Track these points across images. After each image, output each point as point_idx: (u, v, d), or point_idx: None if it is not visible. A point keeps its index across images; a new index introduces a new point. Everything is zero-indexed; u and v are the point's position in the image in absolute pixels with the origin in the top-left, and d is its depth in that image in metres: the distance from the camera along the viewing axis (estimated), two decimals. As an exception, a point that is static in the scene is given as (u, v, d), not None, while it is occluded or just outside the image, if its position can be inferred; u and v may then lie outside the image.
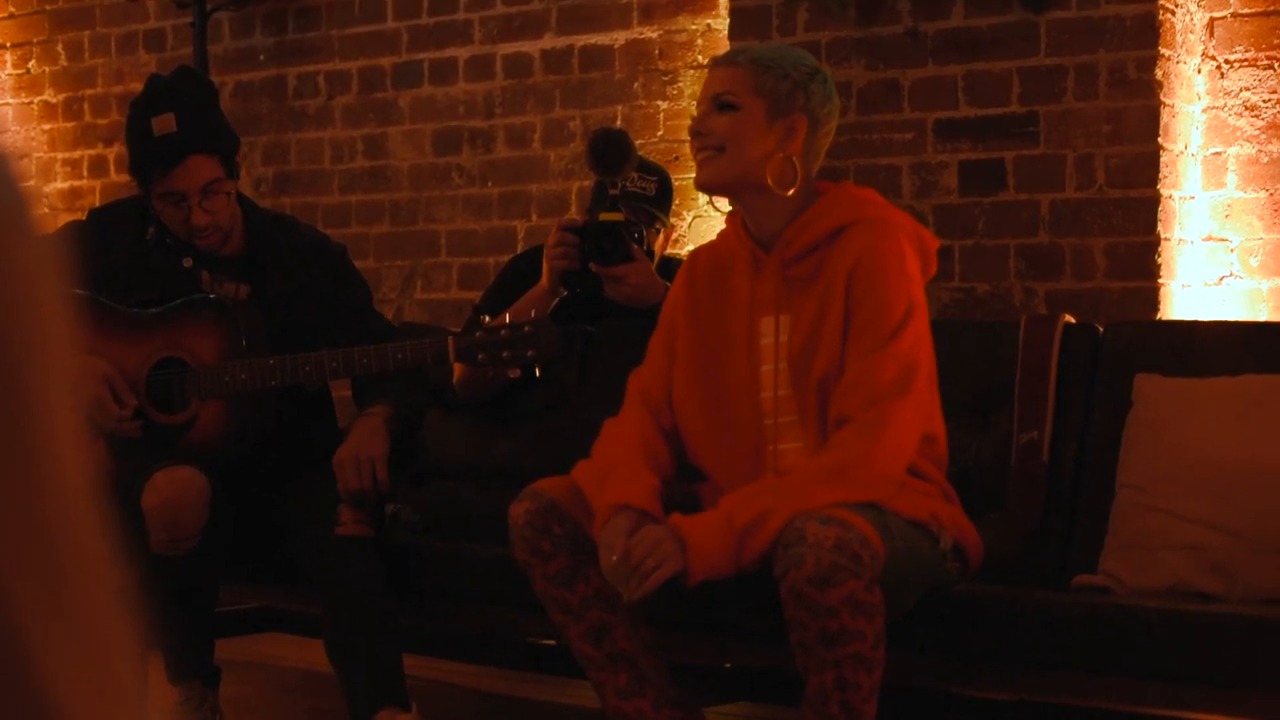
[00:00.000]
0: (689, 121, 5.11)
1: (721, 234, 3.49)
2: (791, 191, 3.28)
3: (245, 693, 4.55)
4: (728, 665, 3.83)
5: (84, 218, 4.25)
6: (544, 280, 4.12)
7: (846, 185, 3.43)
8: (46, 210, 6.64)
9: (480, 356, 3.70)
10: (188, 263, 3.96)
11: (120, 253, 3.99)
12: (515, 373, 3.75)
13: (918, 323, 3.20)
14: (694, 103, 5.14)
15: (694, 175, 3.31)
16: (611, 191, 4.09)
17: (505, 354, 3.68)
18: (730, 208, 3.47)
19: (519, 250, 5.17)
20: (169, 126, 3.85)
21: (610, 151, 4.02)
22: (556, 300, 4.10)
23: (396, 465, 3.93)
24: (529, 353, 3.67)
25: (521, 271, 4.34)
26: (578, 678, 3.55)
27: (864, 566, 2.91)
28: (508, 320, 3.72)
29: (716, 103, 3.31)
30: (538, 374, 3.81)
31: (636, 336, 3.60)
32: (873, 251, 3.21)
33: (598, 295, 4.08)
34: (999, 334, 3.81)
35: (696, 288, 3.41)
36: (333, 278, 4.07)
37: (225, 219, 3.94)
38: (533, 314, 3.77)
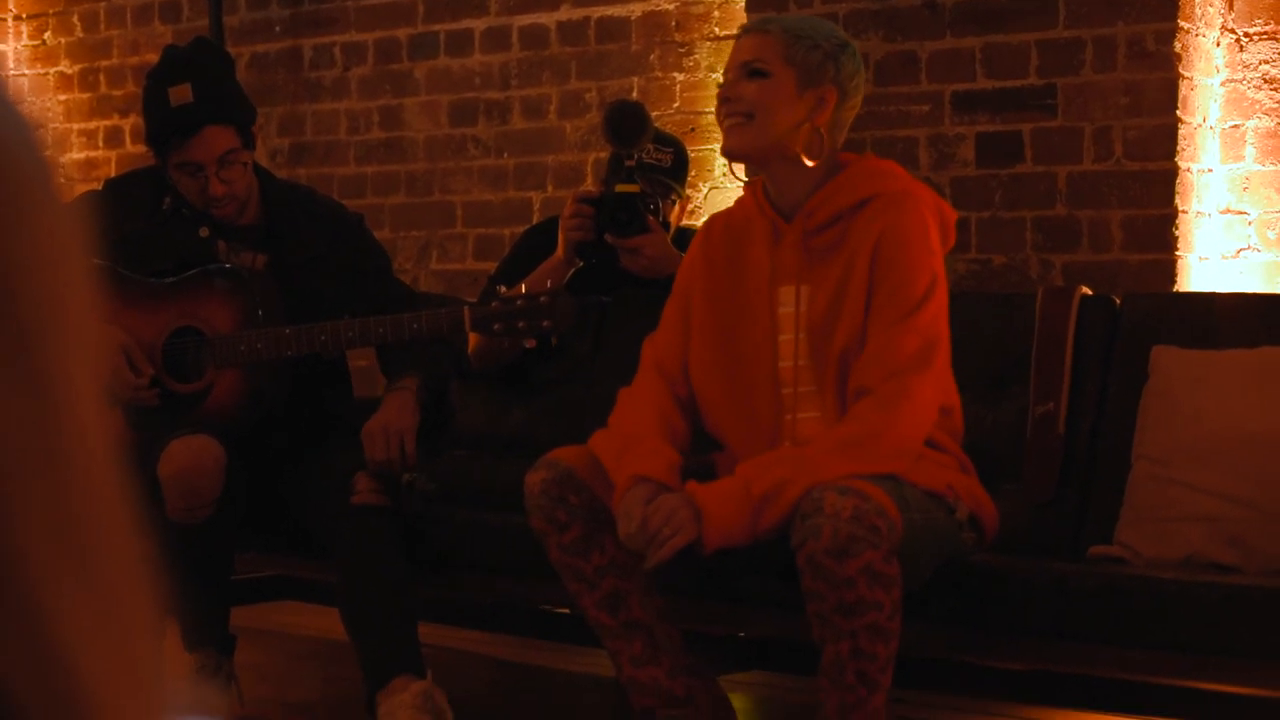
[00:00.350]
0: (705, 93, 5.12)
1: (739, 201, 3.48)
2: (816, 162, 3.28)
3: (260, 660, 4.57)
4: (743, 634, 3.83)
5: (100, 188, 4.26)
6: (559, 251, 4.12)
7: (869, 157, 3.42)
8: (63, 181, 6.64)
9: (496, 327, 3.71)
10: (204, 232, 3.97)
11: (137, 223, 4.00)
12: (531, 343, 3.75)
13: (939, 296, 3.20)
14: (710, 74, 5.13)
15: (715, 145, 3.32)
16: (627, 163, 4.10)
17: (521, 324, 3.68)
18: (746, 176, 3.46)
19: (535, 221, 5.17)
20: (185, 97, 3.85)
21: (626, 123, 4.02)
22: (572, 271, 4.10)
23: (426, 437, 3.94)
24: (544, 323, 3.68)
25: (537, 243, 4.34)
26: (593, 646, 3.55)
27: (881, 537, 2.91)
28: (524, 291, 3.72)
29: (746, 69, 3.29)
30: (553, 344, 3.82)
31: (652, 307, 3.60)
32: (897, 225, 3.20)
33: (613, 266, 4.09)
34: (1015, 306, 3.81)
35: (713, 255, 3.40)
36: (350, 247, 4.07)
37: (242, 189, 3.95)
38: (549, 285, 3.77)
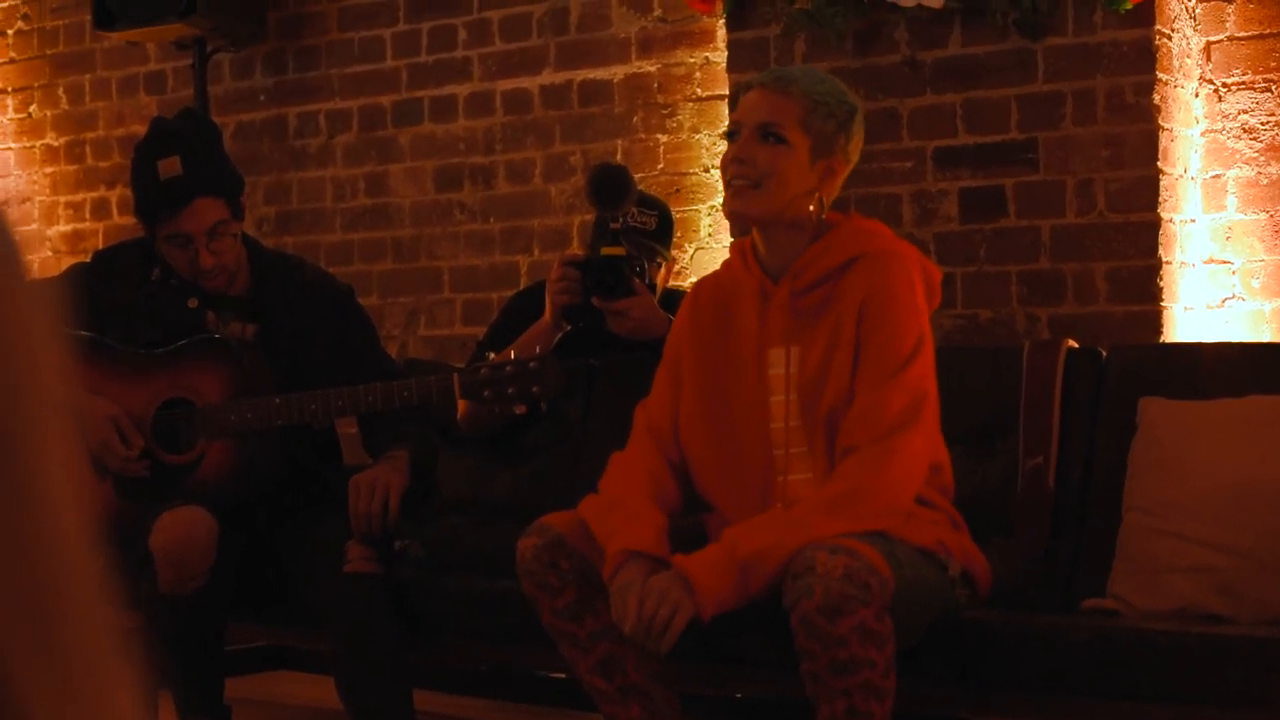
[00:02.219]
0: (689, 154, 5.14)
1: (726, 264, 3.48)
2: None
3: (256, 732, 4.55)
4: (739, 696, 3.82)
5: (88, 260, 4.26)
6: (547, 315, 4.12)
7: (855, 217, 3.43)
8: (49, 253, 6.65)
9: (486, 394, 3.71)
10: (193, 303, 3.98)
11: (125, 294, 4.01)
12: (521, 409, 3.75)
13: (926, 354, 3.21)
14: (694, 135, 5.15)
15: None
16: (613, 226, 4.10)
17: (511, 390, 3.68)
18: (732, 237, 3.47)
19: (522, 285, 5.17)
20: (175, 169, 3.86)
21: (610, 186, 4.03)
22: (560, 335, 4.10)
23: (411, 508, 3.93)
24: (534, 389, 3.68)
25: (524, 308, 4.34)
26: (589, 711, 3.54)
27: (873, 595, 2.91)
28: (512, 356, 3.73)
29: (761, 132, 3.26)
30: (543, 409, 3.82)
31: (640, 370, 3.60)
32: (883, 284, 3.21)
33: (600, 329, 4.09)
34: (1002, 360, 3.82)
35: (702, 318, 3.40)
36: (339, 318, 4.07)
37: (231, 260, 3.96)
38: (537, 350, 3.77)
